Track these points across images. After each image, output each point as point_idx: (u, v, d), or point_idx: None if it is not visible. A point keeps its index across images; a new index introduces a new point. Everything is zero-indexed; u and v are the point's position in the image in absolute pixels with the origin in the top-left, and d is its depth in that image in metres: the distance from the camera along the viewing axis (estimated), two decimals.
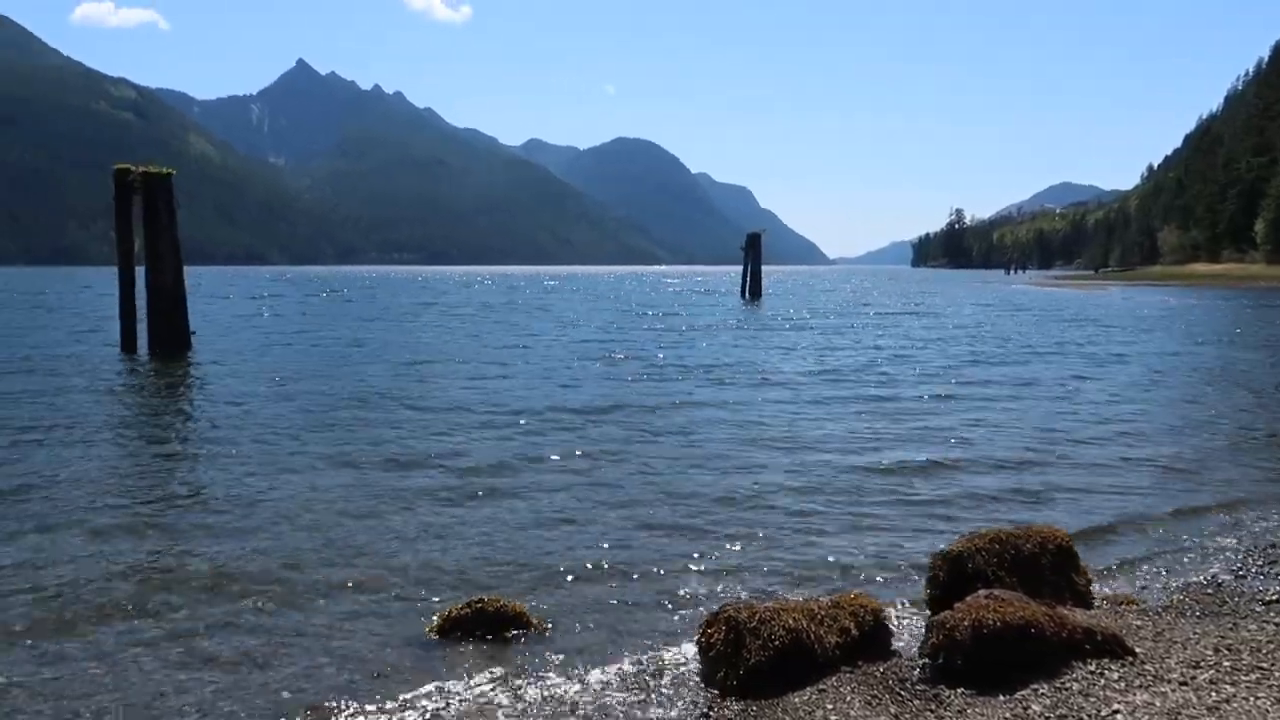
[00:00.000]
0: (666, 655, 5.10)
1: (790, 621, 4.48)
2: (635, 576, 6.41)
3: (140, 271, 21.15)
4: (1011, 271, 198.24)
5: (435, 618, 5.45)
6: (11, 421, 12.51)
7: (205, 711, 4.49)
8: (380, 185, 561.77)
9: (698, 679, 4.69)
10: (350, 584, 6.22)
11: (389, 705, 4.56)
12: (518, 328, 31.59)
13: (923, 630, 4.70)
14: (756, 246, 53.84)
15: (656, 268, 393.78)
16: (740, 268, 57.85)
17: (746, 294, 54.97)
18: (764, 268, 56.35)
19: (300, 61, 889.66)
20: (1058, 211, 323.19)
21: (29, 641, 5.27)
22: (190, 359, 20.44)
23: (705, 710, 4.29)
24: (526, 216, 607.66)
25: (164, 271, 21.06)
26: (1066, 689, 4.05)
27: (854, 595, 4.99)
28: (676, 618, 5.68)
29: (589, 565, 6.62)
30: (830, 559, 6.86)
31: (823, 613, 4.64)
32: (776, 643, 4.39)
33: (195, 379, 17.62)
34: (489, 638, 5.27)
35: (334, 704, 4.59)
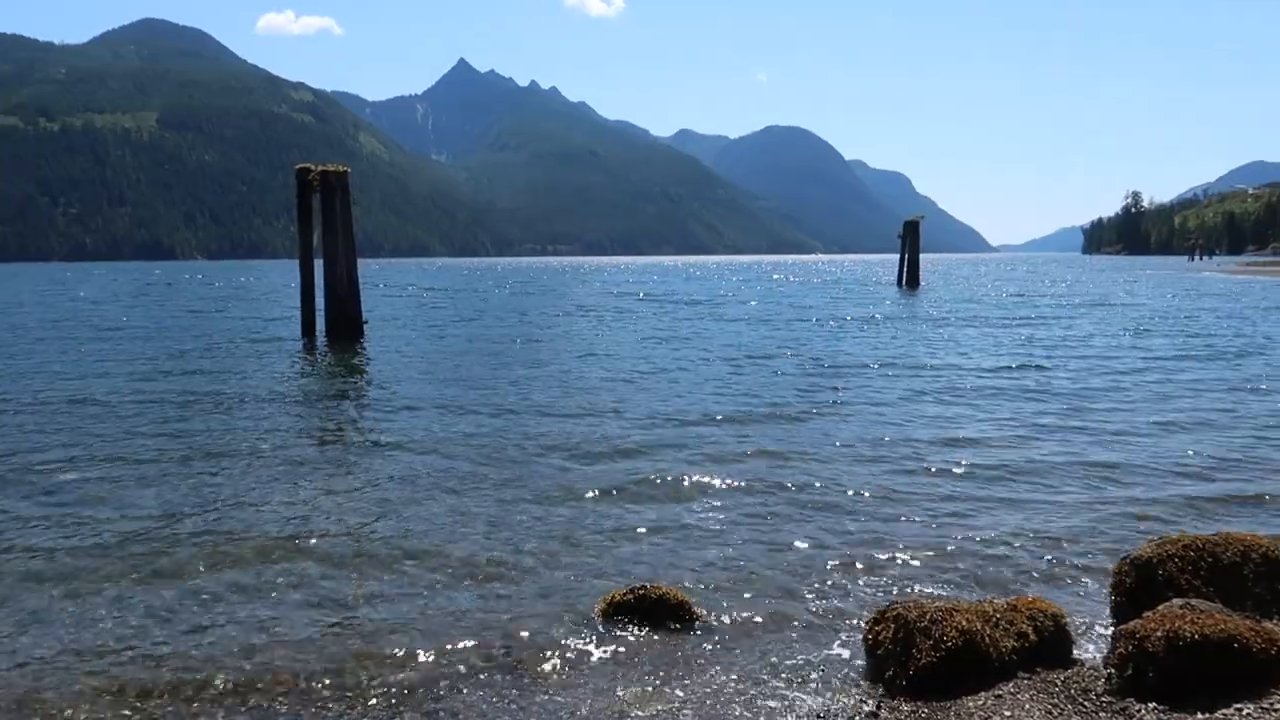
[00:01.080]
0: (830, 651, 5.03)
1: (963, 623, 4.32)
2: (799, 572, 6.33)
3: (319, 264, 22.56)
4: (1196, 258, 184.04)
5: (600, 600, 5.55)
6: (210, 395, 13.97)
7: (414, 652, 4.73)
8: (536, 178, 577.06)
9: (863, 676, 4.62)
10: (524, 560, 6.43)
11: (555, 679, 4.70)
12: (683, 323, 31.59)
13: (1107, 639, 4.52)
14: (914, 234, 52.16)
15: (811, 257, 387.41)
16: (896, 256, 56.28)
17: (903, 282, 53.46)
18: (923, 256, 54.58)
19: (461, 61, 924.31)
20: (1250, 191, 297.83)
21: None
22: (362, 345, 21.58)
23: (874, 709, 4.20)
24: (678, 207, 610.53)
25: (340, 263, 22.32)
26: (1275, 711, 3.75)
27: (1031, 599, 4.76)
28: (841, 613, 5.57)
29: (753, 560, 6.57)
30: (1001, 559, 6.57)
31: (998, 615, 4.49)
32: (949, 644, 4.24)
33: (365, 363, 18.61)
34: (651, 624, 5.33)
35: (505, 672, 4.76)
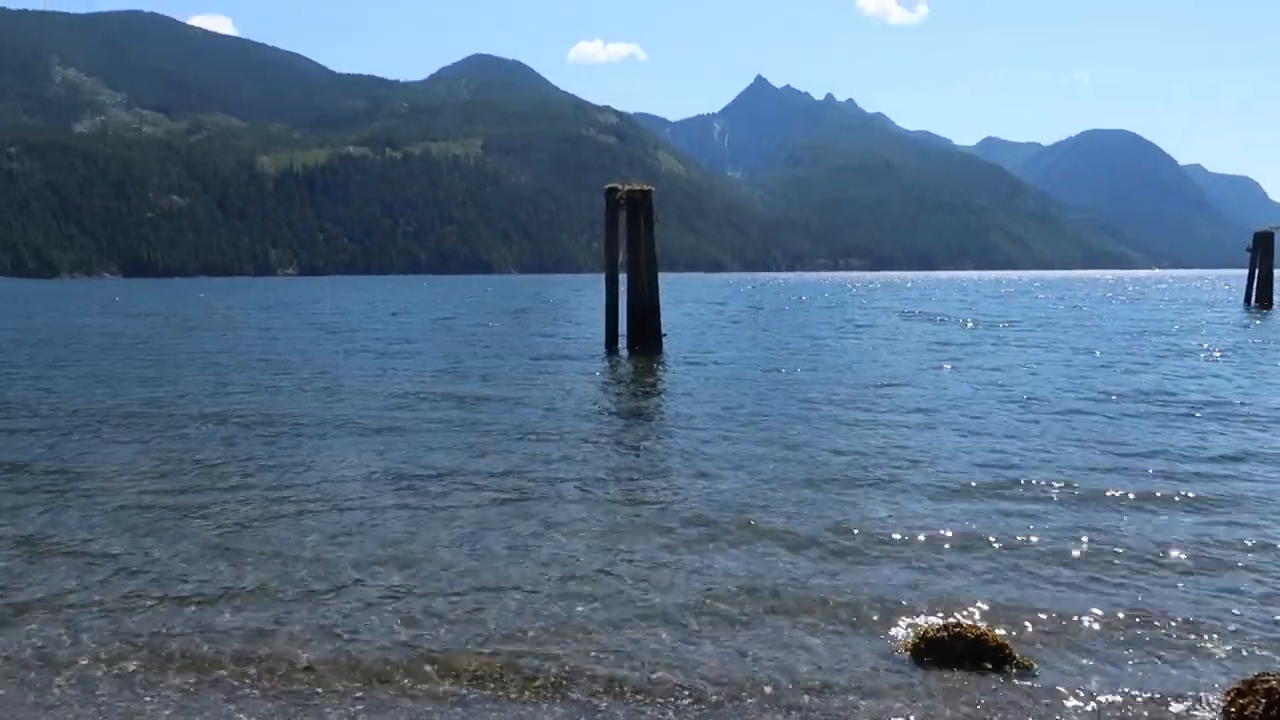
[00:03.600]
0: (1172, 713, 4.58)
1: None
2: (1138, 625, 5.69)
3: (622, 278, 23.65)
4: None
5: (909, 635, 5.32)
6: (521, 402, 14.96)
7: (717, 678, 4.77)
8: (829, 192, 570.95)
9: None
10: (816, 582, 6.32)
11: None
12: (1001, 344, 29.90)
13: None
14: (1267, 246, 45.79)
15: (1140, 273, 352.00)
16: (1243, 271, 49.68)
17: (1253, 301, 47.13)
18: (1278, 271, 47.81)
19: (758, 78, 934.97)
20: None
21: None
22: (662, 357, 22.34)
23: None
24: (978, 218, 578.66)
25: (641, 279, 23.26)
26: None
27: None
28: (1184, 675, 4.94)
29: (1083, 608, 6.01)
30: None
31: None
32: None
33: (664, 375, 19.23)
34: (966, 666, 5.02)
35: (809, 701, 4.70)
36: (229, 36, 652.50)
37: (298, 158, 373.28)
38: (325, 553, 7.14)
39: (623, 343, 23.66)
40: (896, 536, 7.49)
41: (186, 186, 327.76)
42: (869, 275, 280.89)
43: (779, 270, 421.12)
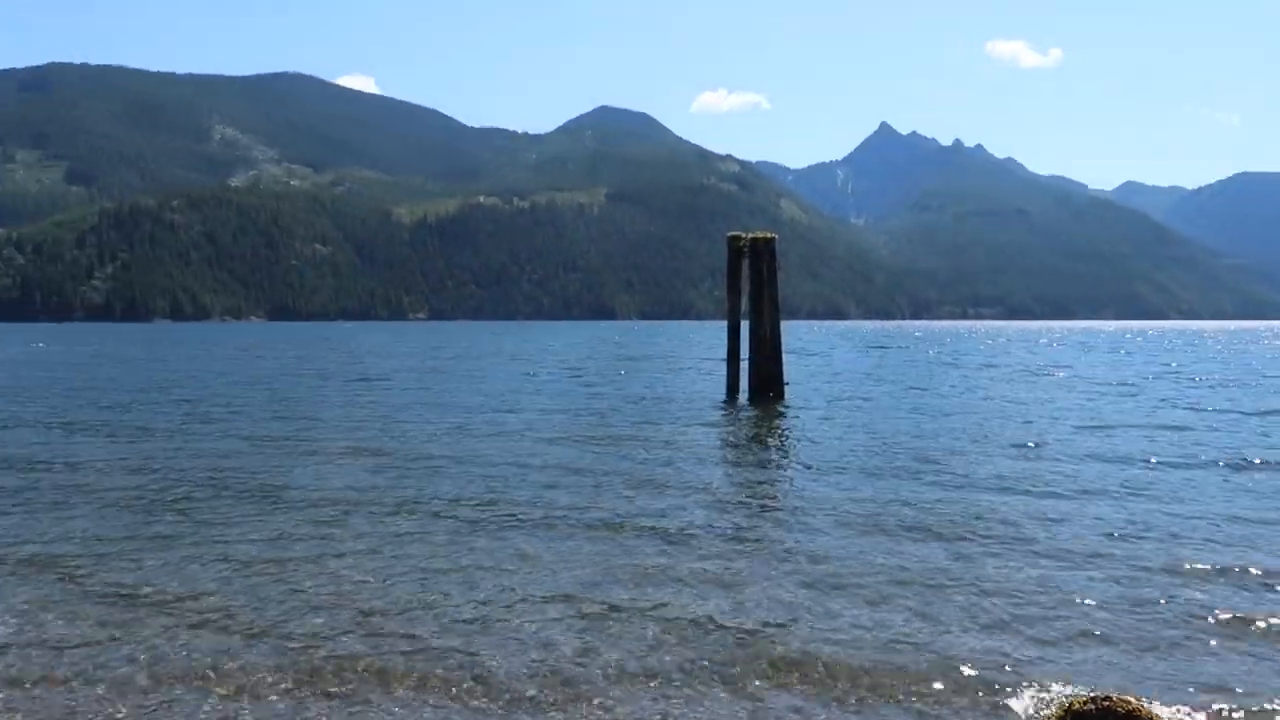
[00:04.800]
0: None
1: None
2: None
3: (744, 325, 23.58)
4: None
5: (1051, 707, 4.99)
6: (639, 449, 14.93)
7: None
8: (957, 239, 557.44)
9: None
10: (950, 654, 6.04)
11: None
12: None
13: None
14: None
15: None
16: None
17: None
18: None
19: (883, 124, 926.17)
20: None
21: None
22: (784, 405, 22.06)
23: None
24: (1117, 266, 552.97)
25: (764, 326, 23.14)
26: None
27: None
28: None
29: (1255, 684, 5.54)
30: None
31: None
32: None
33: (786, 423, 18.96)
34: None
35: None
36: (371, 95, 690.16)
37: (431, 208, 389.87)
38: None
39: (744, 391, 23.51)
40: (1038, 602, 7.10)
41: (329, 236, 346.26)
42: (1000, 324, 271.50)
43: (904, 318, 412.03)
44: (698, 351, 57.65)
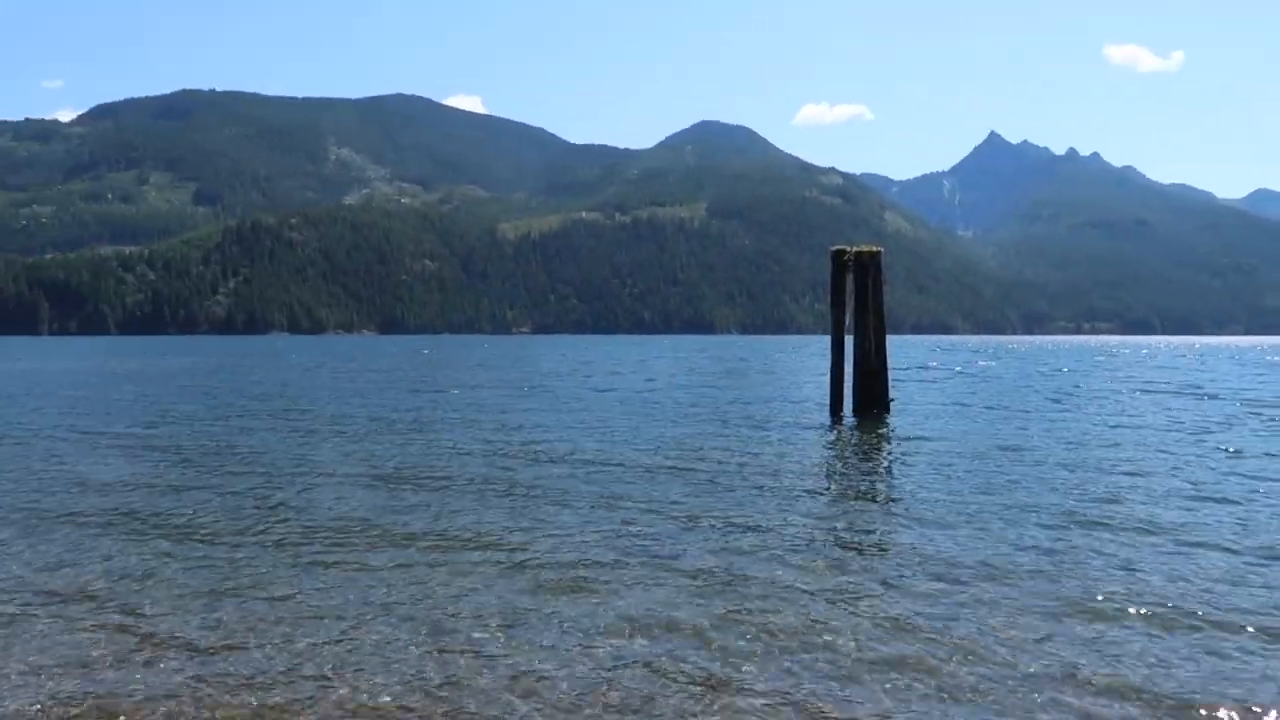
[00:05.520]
0: None
1: None
2: None
3: (848, 341, 22.91)
4: None
5: None
6: (741, 468, 14.47)
7: None
8: (1071, 251, 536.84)
9: None
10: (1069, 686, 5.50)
11: None
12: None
13: None
14: None
15: None
16: None
17: None
18: None
19: (992, 134, 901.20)
20: None
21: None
22: (888, 423, 21.32)
23: None
24: (1251, 279, 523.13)
25: (869, 341, 22.45)
26: None
27: None
28: None
29: None
30: None
31: None
32: None
33: (891, 442, 18.27)
34: None
35: None
36: (478, 114, 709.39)
37: (534, 224, 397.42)
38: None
39: (848, 408, 22.85)
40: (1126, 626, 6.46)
41: (437, 252, 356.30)
42: (1118, 339, 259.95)
43: (1014, 333, 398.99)
44: (799, 366, 56.72)
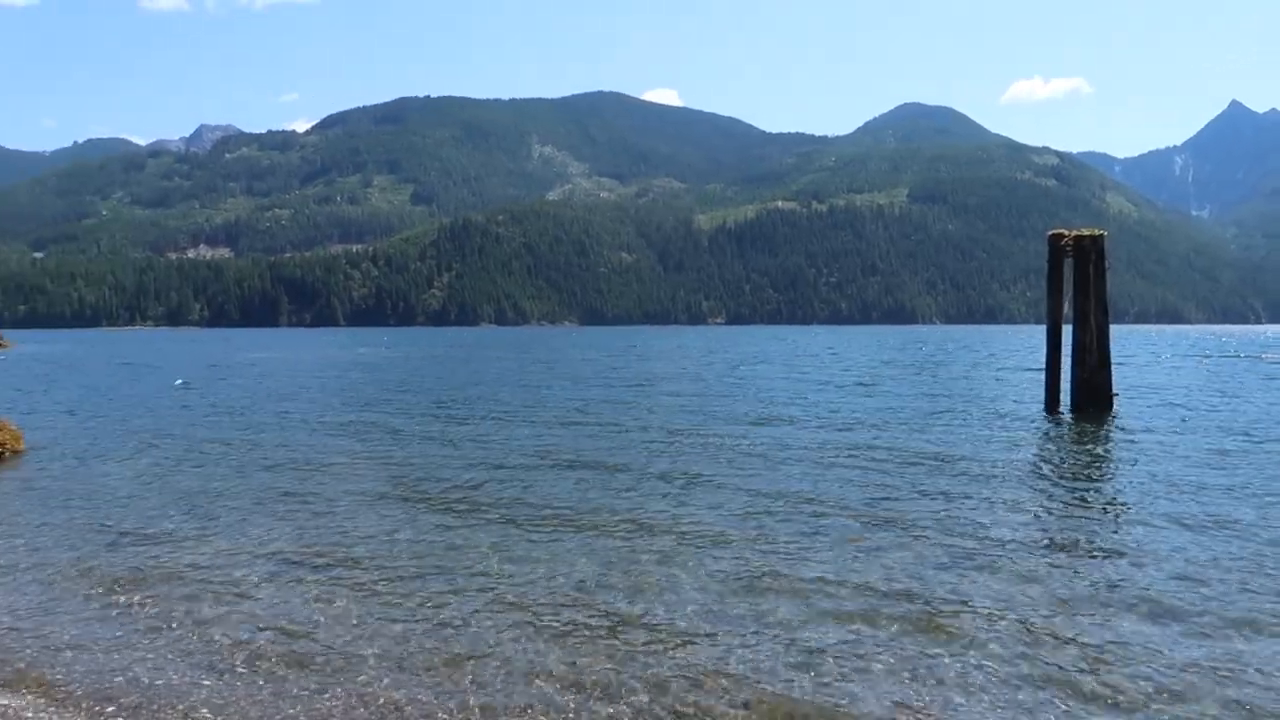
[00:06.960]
0: None
1: None
2: None
3: (1066, 331, 21.61)
4: None
5: None
6: (950, 464, 14.10)
7: None
8: None
9: None
10: None
11: None
12: None
13: None
14: None
15: None
16: None
17: None
18: None
19: (1234, 102, 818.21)
20: None
21: None
22: (1111, 421, 19.95)
23: None
24: None
25: (1089, 331, 21.10)
26: None
27: None
28: None
29: None
30: None
31: None
32: None
33: (1112, 441, 17.10)
34: None
35: None
36: (675, 107, 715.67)
37: (730, 214, 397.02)
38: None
39: (1066, 403, 21.57)
40: None
41: (634, 244, 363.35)
42: None
43: (1259, 322, 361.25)
44: (1011, 358, 53.86)
